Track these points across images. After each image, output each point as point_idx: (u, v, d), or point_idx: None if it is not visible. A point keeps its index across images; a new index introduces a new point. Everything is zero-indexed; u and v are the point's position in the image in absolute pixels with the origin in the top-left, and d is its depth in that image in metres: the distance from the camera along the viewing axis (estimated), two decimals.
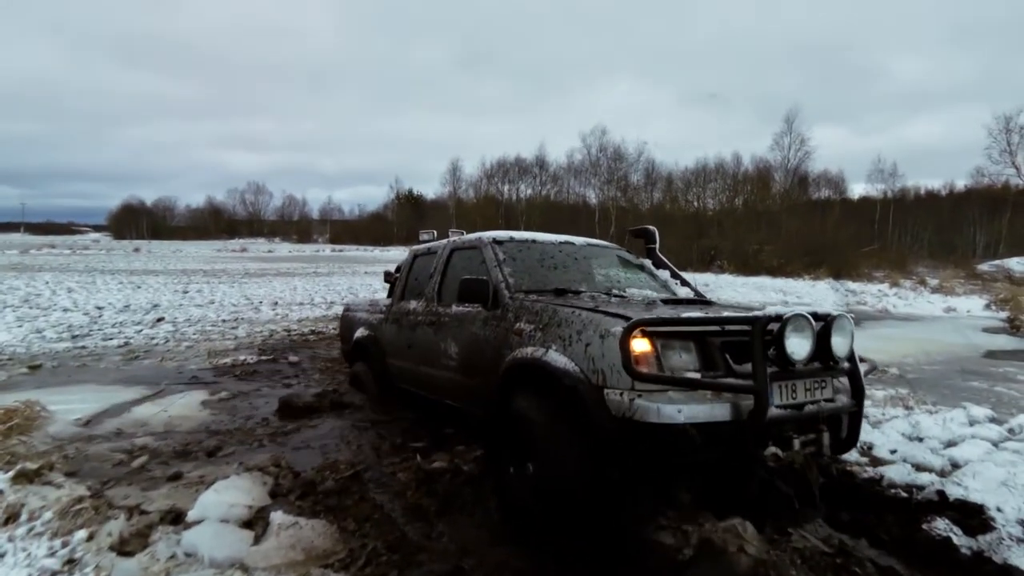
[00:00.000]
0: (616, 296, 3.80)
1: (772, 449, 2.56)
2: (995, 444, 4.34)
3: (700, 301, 4.20)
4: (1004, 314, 14.20)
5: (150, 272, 23.86)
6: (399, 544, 2.81)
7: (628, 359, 2.44)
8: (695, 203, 52.11)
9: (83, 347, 8.21)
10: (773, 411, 2.47)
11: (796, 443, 2.61)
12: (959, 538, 2.96)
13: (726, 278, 27.09)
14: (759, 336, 2.49)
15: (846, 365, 2.85)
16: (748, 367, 2.54)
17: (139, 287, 17.04)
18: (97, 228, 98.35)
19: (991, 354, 9.65)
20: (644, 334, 2.56)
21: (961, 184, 53.81)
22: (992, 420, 4.95)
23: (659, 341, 2.59)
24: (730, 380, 2.58)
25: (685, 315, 2.84)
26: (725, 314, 3.00)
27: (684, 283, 4.95)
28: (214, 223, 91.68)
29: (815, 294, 20.67)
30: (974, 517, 3.13)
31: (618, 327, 2.61)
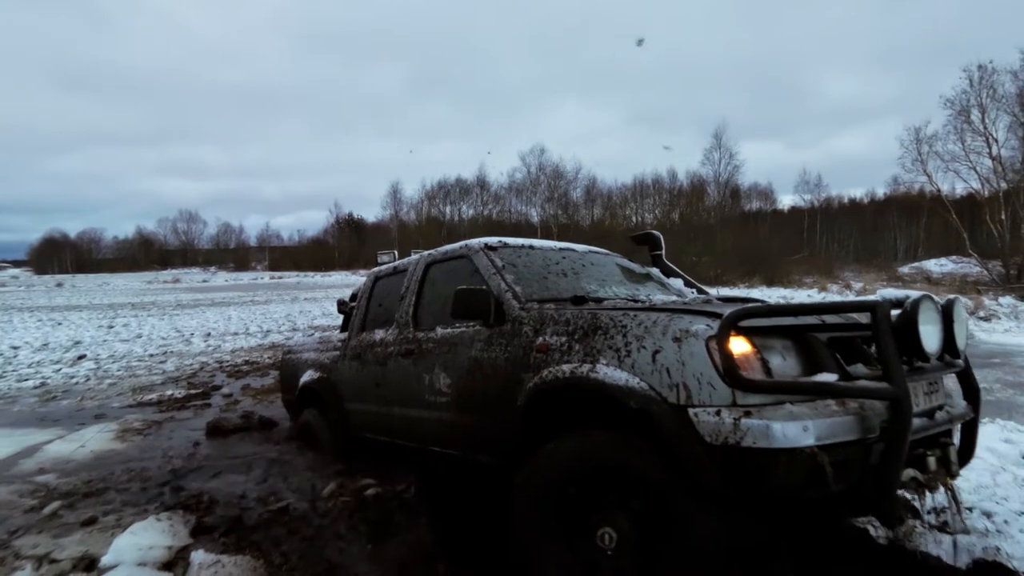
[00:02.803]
0: (643, 301, 3.07)
1: (909, 472, 2.05)
2: None
3: (744, 299, 3.22)
4: None
5: (73, 308, 22.73)
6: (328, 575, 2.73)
7: (731, 364, 1.91)
8: (633, 218, 53.41)
9: None
10: (915, 422, 1.95)
11: (931, 461, 2.11)
12: (876, 530, 3.09)
13: None
14: (886, 323, 1.95)
15: (960, 362, 2.42)
16: (859, 368, 2.12)
17: (60, 324, 16.22)
18: (17, 263, 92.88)
19: None
20: (739, 331, 2.02)
21: (881, 192, 56.99)
22: None
23: (757, 340, 2.06)
24: (868, 384, 1.99)
25: (784, 304, 2.30)
26: (839, 299, 2.44)
27: (701, 291, 4.36)
28: (144, 254, 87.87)
29: None
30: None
31: (700, 325, 2.09)
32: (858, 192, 66.78)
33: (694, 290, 4.34)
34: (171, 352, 11.08)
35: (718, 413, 1.96)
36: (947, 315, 2.24)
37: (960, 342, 2.29)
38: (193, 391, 7.53)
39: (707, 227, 42.08)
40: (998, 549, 2.78)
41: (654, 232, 4.87)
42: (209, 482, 4.07)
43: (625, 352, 2.27)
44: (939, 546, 2.89)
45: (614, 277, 3.82)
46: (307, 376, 4.85)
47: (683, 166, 68.97)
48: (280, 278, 53.74)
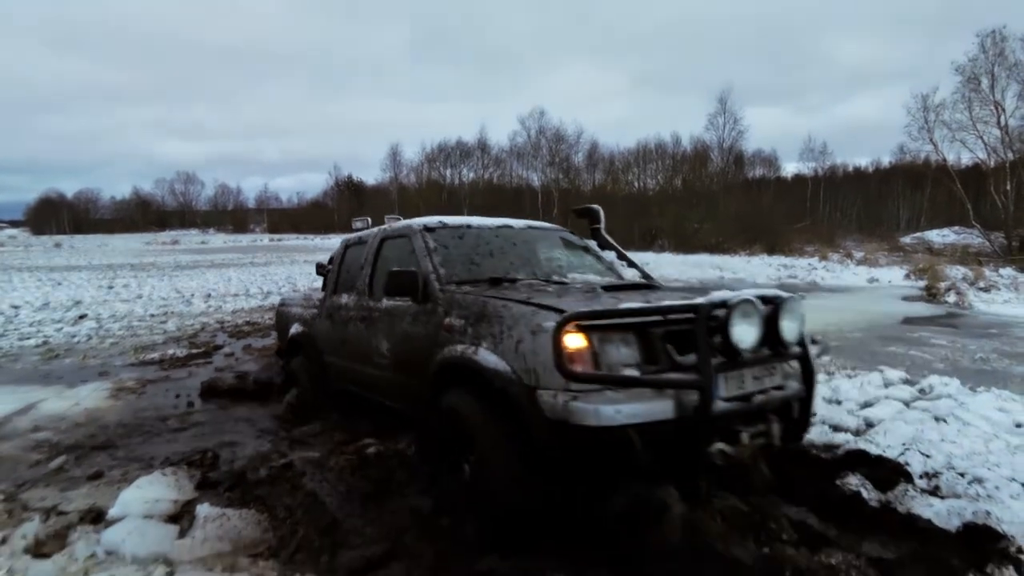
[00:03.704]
0: (556, 283, 3.58)
1: (719, 446, 2.38)
2: (907, 404, 4.61)
3: (645, 286, 3.93)
4: (922, 283, 15.04)
5: (72, 268, 22.71)
6: (331, 529, 2.78)
7: (561, 357, 2.27)
8: (636, 183, 53.00)
9: None
10: (719, 405, 2.31)
11: (744, 436, 2.43)
12: (869, 492, 3.15)
13: (666, 256, 27.70)
14: (703, 325, 2.31)
15: (796, 349, 2.69)
16: (692, 357, 2.39)
17: (59, 284, 16.19)
18: (14, 224, 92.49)
19: (908, 320, 10.21)
20: (579, 328, 2.38)
21: (887, 161, 56.48)
22: (905, 382, 5.25)
23: (596, 335, 2.41)
24: (672, 376, 2.40)
25: (623, 306, 2.56)
26: (666, 303, 2.76)
27: (631, 264, 4.72)
28: (142, 215, 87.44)
29: (750, 269, 21.40)
30: (883, 472, 3.33)
31: (550, 321, 2.43)
32: (863, 161, 66.24)
33: (625, 262, 4.68)
34: (172, 312, 11.09)
35: (555, 395, 2.37)
36: (775, 313, 2.54)
37: (789, 336, 2.59)
38: (195, 350, 7.56)
39: (709, 194, 41.79)
40: (988, 513, 2.83)
41: (594, 207, 5.18)
42: (209, 439, 4.13)
43: (499, 339, 2.69)
44: (930, 508, 2.95)
45: (548, 251, 4.25)
46: (294, 329, 5.28)
47: (687, 131, 68.11)
48: (279, 240, 53.65)
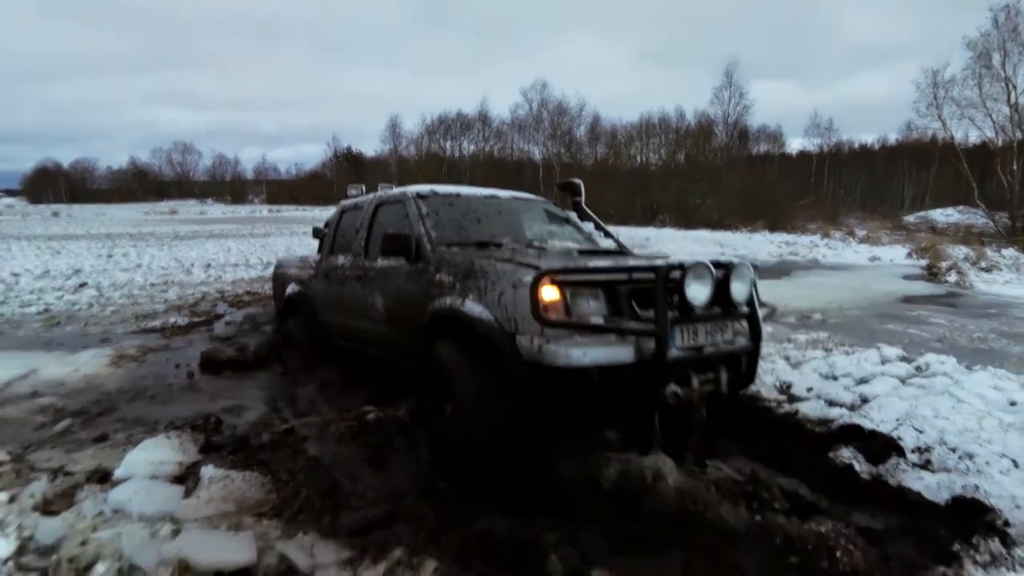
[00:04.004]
0: (536, 248, 3.88)
1: (673, 388, 2.70)
2: (902, 380, 4.65)
3: (616, 252, 4.36)
4: (924, 262, 15.04)
5: (71, 237, 22.68)
6: (333, 491, 2.84)
7: (537, 307, 2.55)
8: (638, 158, 52.64)
9: None
10: (674, 352, 2.65)
11: (695, 381, 2.77)
12: (861, 465, 3.21)
13: (668, 232, 27.65)
14: (662, 283, 2.63)
15: (745, 310, 3.02)
16: (652, 312, 2.67)
17: (59, 252, 16.18)
18: (11, 193, 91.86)
19: (908, 299, 10.22)
20: (553, 283, 2.67)
21: (893, 138, 55.94)
22: (902, 359, 5.29)
23: (568, 290, 2.70)
24: (632, 324, 2.72)
25: (592, 264, 2.94)
26: (631, 263, 3.15)
27: (607, 235, 5.11)
28: (140, 185, 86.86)
29: (751, 246, 21.35)
30: (875, 446, 3.38)
31: (529, 276, 2.70)
32: (869, 138, 65.58)
33: (602, 233, 5.09)
34: (172, 282, 11.11)
35: (531, 340, 2.67)
36: (727, 276, 2.87)
37: (739, 297, 2.93)
38: (196, 319, 7.60)
39: (713, 169, 41.52)
40: (977, 487, 2.88)
41: (576, 181, 5.53)
42: (214, 405, 4.18)
43: (484, 292, 2.98)
44: (920, 481, 3.01)
45: (531, 220, 4.57)
46: (290, 289, 5.64)
47: (691, 106, 67.32)
48: (278, 211, 53.48)
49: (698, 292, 2.75)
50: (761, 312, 3.12)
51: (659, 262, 2.81)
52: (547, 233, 4.46)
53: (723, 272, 2.87)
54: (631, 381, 2.66)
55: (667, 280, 2.67)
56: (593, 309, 2.75)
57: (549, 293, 2.65)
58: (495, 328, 2.85)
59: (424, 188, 4.36)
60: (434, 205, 4.13)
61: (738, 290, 2.92)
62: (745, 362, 3.09)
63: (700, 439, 2.96)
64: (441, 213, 4.07)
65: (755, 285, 3.05)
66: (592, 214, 5.22)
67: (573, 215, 5.09)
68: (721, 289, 2.85)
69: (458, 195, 4.43)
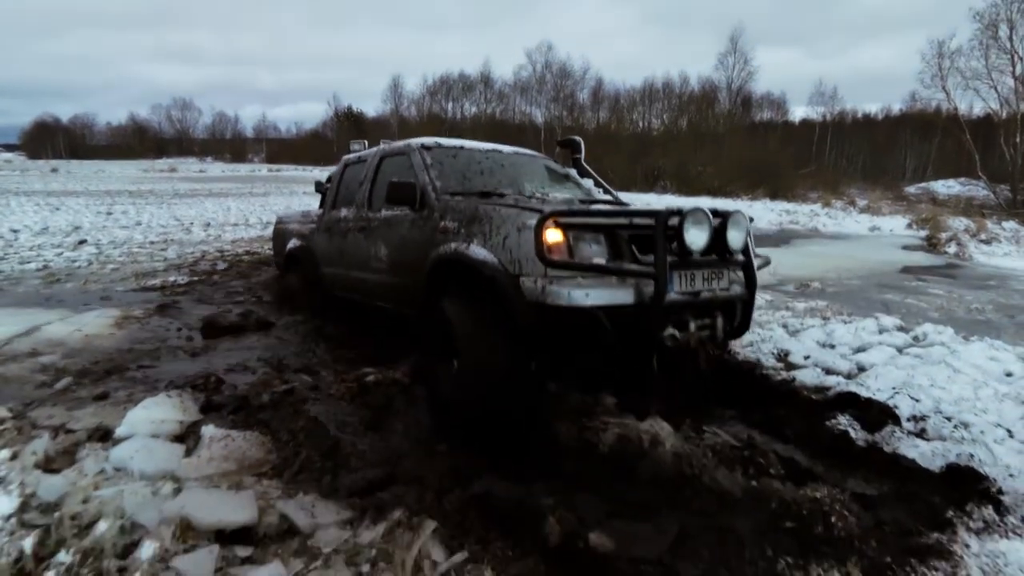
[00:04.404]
0: (538, 198, 3.93)
1: (670, 331, 2.81)
2: (899, 350, 4.67)
3: (616, 203, 4.49)
4: (924, 233, 15.00)
5: (70, 193, 22.49)
6: (333, 452, 2.86)
7: (541, 248, 2.65)
8: (640, 123, 52.01)
9: None
10: (672, 296, 2.72)
11: (692, 325, 2.88)
12: (856, 432, 3.23)
13: (668, 198, 27.47)
14: (661, 228, 2.67)
15: (741, 258, 3.06)
16: (651, 257, 2.72)
17: (58, 209, 16.07)
18: (9, 148, 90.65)
19: (907, 269, 10.22)
20: (557, 225, 2.74)
21: (897, 108, 55.24)
22: (899, 328, 5.31)
23: (571, 233, 2.77)
24: (632, 266, 2.79)
25: (595, 208, 3.04)
26: (632, 208, 3.20)
27: (607, 191, 5.20)
28: (139, 142, 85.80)
29: (752, 213, 20.94)
30: (871, 413, 3.41)
31: (533, 219, 2.78)
32: (873, 107, 64.74)
33: (601, 189, 5.16)
34: (171, 240, 11.07)
35: (535, 281, 2.75)
36: (723, 224, 2.91)
37: (735, 244, 2.96)
38: (195, 278, 7.58)
39: (715, 135, 41.06)
40: (971, 455, 2.92)
41: (576, 138, 5.48)
42: (214, 365, 4.19)
43: (488, 236, 3.05)
44: (915, 449, 3.04)
45: (532, 175, 4.62)
46: (291, 244, 5.70)
47: (695, 71, 66.18)
48: (278, 171, 53.02)
49: (696, 237, 2.80)
50: (756, 262, 3.17)
51: (659, 208, 2.85)
52: (548, 187, 4.53)
53: (720, 220, 2.92)
54: (631, 323, 2.73)
55: (666, 225, 2.70)
56: (595, 252, 2.81)
57: (553, 235, 2.72)
58: (500, 270, 2.92)
59: (429, 140, 4.41)
60: (438, 156, 4.18)
61: (734, 238, 2.95)
62: (740, 310, 3.17)
63: (695, 389, 3.06)
64: (445, 164, 4.12)
65: (750, 235, 3.11)
66: (591, 171, 5.26)
67: (573, 172, 5.16)
68: (718, 236, 2.90)
69: (461, 147, 4.48)
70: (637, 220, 2.91)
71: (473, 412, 2.98)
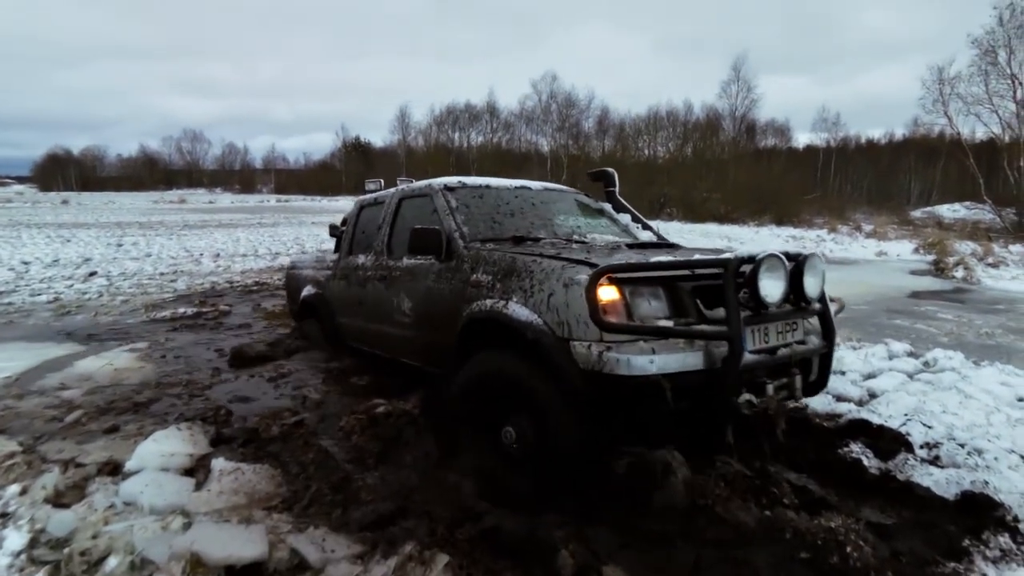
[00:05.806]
0: (577, 242, 3.62)
1: (746, 396, 2.52)
2: (910, 376, 4.64)
3: (665, 245, 4.01)
4: (931, 257, 14.96)
5: (80, 225, 22.79)
6: (343, 485, 2.85)
7: (595, 309, 2.31)
8: (645, 151, 52.42)
9: (9, 303, 7.85)
10: (747, 357, 2.39)
11: (770, 388, 2.53)
12: (869, 460, 3.20)
13: (674, 225, 27.56)
14: (731, 279, 2.38)
15: (817, 306, 2.80)
16: (719, 312, 2.45)
17: (69, 241, 16.28)
18: (21, 180, 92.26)
19: (915, 294, 10.19)
20: (611, 281, 2.43)
21: (900, 134, 55.57)
22: (909, 354, 5.28)
23: (627, 288, 2.47)
24: (703, 327, 2.48)
25: (655, 259, 2.63)
26: (696, 257, 2.74)
27: (646, 227, 4.75)
28: (149, 173, 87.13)
29: (758, 240, 21.26)
30: (884, 441, 3.38)
31: (583, 275, 2.48)
32: (876, 133, 65.14)
33: (639, 225, 4.70)
34: (181, 271, 11.16)
35: (589, 347, 2.43)
36: (798, 269, 2.64)
37: (812, 292, 2.71)
38: (205, 309, 7.63)
39: (720, 162, 41.31)
40: (986, 483, 2.88)
41: (609, 170, 5.17)
42: (226, 398, 4.19)
43: (530, 293, 2.74)
44: (929, 477, 3.00)
45: (565, 213, 4.24)
46: (306, 291, 5.37)
47: (699, 99, 66.93)
48: (286, 201, 53.55)
49: (772, 288, 2.50)
50: (832, 307, 2.89)
51: (728, 255, 2.52)
52: (583, 226, 4.13)
53: (794, 264, 2.64)
54: (701, 390, 2.41)
55: (737, 274, 2.43)
56: (655, 309, 2.51)
57: (608, 293, 2.41)
58: (545, 333, 2.59)
59: (452, 180, 4.07)
60: (463, 198, 3.85)
61: (811, 284, 2.69)
62: (817, 364, 2.86)
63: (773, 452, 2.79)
64: (471, 206, 3.80)
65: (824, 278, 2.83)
66: (628, 205, 4.87)
67: (608, 206, 4.78)
68: (794, 283, 2.62)
69: (487, 186, 4.13)
70: (701, 270, 2.62)
71: (546, 474, 2.66)
